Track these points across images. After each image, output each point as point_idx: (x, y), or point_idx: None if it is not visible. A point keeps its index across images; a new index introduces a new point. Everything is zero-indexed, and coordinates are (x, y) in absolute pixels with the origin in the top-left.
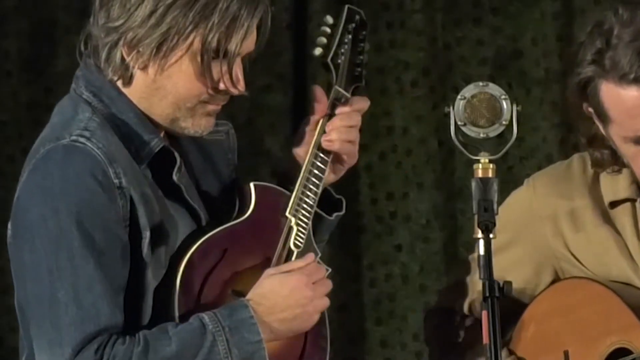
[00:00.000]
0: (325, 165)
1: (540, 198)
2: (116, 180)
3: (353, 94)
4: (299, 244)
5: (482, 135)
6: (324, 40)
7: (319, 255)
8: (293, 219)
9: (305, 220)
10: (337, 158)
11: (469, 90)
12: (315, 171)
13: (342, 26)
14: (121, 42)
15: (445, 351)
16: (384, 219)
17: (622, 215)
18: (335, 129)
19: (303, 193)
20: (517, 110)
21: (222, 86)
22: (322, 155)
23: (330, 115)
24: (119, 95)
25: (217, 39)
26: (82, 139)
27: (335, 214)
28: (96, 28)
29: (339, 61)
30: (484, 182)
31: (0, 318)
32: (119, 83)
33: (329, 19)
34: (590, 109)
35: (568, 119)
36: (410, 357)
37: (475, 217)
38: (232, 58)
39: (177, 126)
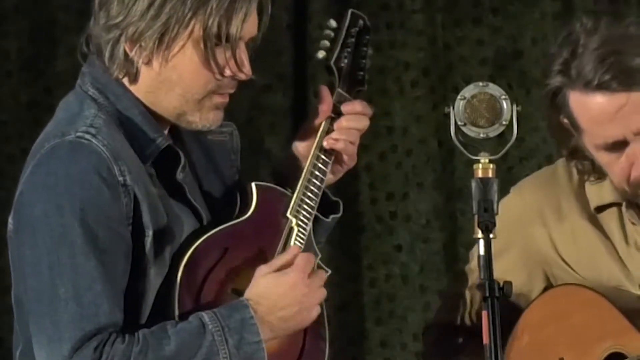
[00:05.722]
0: (327, 167)
1: (528, 205)
2: (121, 178)
3: (355, 98)
4: (300, 244)
5: (482, 135)
6: (327, 43)
7: (319, 256)
8: (294, 220)
9: (306, 221)
10: (337, 159)
11: (469, 90)
12: (317, 172)
13: (345, 30)
14: (123, 38)
15: None
16: (384, 219)
17: (609, 220)
18: (342, 130)
19: (304, 194)
20: (517, 110)
21: (227, 72)
22: (324, 157)
23: (332, 118)
24: (124, 92)
25: (217, 24)
26: (87, 136)
27: (332, 216)
28: (97, 28)
29: (342, 64)
30: (484, 182)
31: (1, 318)
32: (125, 80)
33: (333, 23)
34: (566, 120)
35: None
36: (410, 357)
37: (475, 217)
38: (235, 42)
39: (184, 120)
